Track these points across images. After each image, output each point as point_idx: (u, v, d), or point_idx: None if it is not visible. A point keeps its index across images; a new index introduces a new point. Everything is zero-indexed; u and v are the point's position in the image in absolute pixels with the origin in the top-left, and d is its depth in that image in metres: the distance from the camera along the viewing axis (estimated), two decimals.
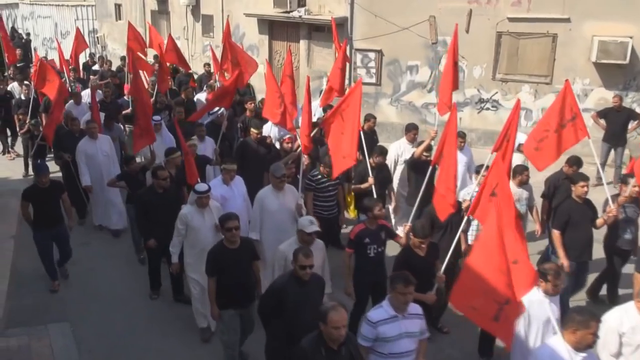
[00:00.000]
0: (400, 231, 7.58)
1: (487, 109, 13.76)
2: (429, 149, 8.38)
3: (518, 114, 6.52)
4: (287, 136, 9.04)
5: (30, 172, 12.27)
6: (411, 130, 9.33)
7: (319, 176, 8.05)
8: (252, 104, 11.21)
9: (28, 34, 27.89)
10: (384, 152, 8.48)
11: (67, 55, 16.71)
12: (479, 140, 13.74)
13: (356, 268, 6.53)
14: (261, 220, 7.21)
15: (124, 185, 8.80)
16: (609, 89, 12.48)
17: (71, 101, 12.49)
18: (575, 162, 8.05)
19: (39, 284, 8.19)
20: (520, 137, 8.27)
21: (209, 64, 16.06)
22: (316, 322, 4.30)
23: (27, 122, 12.22)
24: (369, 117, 10.20)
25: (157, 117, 10.12)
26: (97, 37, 25.31)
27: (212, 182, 7.83)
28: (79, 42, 17.01)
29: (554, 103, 7.26)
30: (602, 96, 12.59)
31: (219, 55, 14.03)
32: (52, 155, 11.81)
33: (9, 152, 13.94)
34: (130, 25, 14.62)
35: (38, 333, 7.06)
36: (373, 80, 14.64)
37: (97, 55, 19.81)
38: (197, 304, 7.04)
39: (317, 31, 15.67)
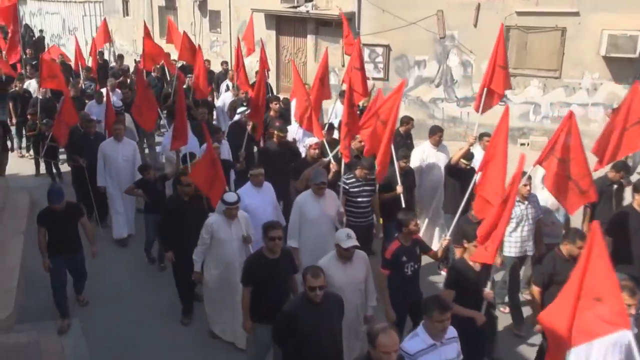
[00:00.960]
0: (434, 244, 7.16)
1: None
2: (468, 157, 7.81)
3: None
4: (314, 142, 8.34)
5: (42, 170, 12.25)
6: (436, 133, 8.62)
7: (353, 179, 7.48)
8: (277, 104, 10.80)
9: (41, 31, 27.87)
10: (407, 156, 8.05)
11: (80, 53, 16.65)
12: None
13: (392, 288, 5.97)
14: (299, 227, 6.86)
15: (141, 194, 8.45)
16: (619, 83, 12.39)
17: (92, 101, 12.18)
18: (622, 167, 7.46)
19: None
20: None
21: (226, 62, 15.74)
22: (335, 347, 4.12)
23: (37, 122, 11.89)
24: (408, 120, 9.55)
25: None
26: None
27: (241, 189, 7.38)
28: (104, 34, 16.76)
29: (622, 104, 6.99)
30: (612, 90, 12.50)
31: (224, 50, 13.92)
32: (64, 157, 11.80)
33: (20, 150, 13.80)
34: (185, 36, 13.90)
35: (48, 329, 7.09)
36: (381, 75, 14.59)
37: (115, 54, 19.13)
38: (209, 309, 6.90)
39: (325, 26, 15.64)
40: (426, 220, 8.64)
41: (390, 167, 7.64)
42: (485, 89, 7.56)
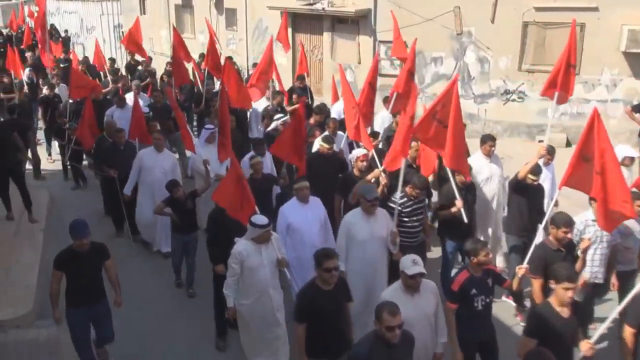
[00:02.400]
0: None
1: (513, 100, 13.60)
2: (536, 171, 7.04)
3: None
4: (362, 153, 7.62)
5: (70, 176, 12.05)
6: (486, 142, 7.76)
7: (405, 199, 6.82)
8: (320, 116, 10.02)
9: (66, 31, 27.84)
10: (471, 168, 7.27)
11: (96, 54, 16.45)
12: (504, 132, 13.59)
13: (460, 322, 5.36)
14: (347, 249, 6.24)
15: (171, 213, 7.71)
16: (639, 78, 12.23)
17: (113, 107, 11.52)
18: None
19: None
20: (625, 150, 7.58)
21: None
22: None
23: (65, 126, 11.58)
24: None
25: (210, 126, 9.24)
26: (122, 32, 25.48)
27: (285, 205, 6.87)
28: (136, 32, 16.14)
29: None
30: (632, 86, 12.35)
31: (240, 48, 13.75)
32: (87, 162, 11.64)
33: (49, 156, 13.48)
34: (211, 41, 13.16)
35: (67, 326, 7.17)
36: (397, 72, 14.50)
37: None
38: (245, 342, 6.29)
39: (341, 23, 15.63)
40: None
41: (448, 180, 7.10)
42: (556, 93, 7.22)
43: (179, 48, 12.81)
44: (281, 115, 9.94)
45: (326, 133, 8.86)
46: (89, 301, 6.01)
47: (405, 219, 6.81)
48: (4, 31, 25.33)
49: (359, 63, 15.36)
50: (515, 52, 13.27)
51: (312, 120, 9.88)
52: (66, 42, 24.49)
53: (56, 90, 13.38)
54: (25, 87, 14.37)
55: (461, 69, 13.98)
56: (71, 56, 18.69)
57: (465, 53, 13.83)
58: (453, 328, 5.30)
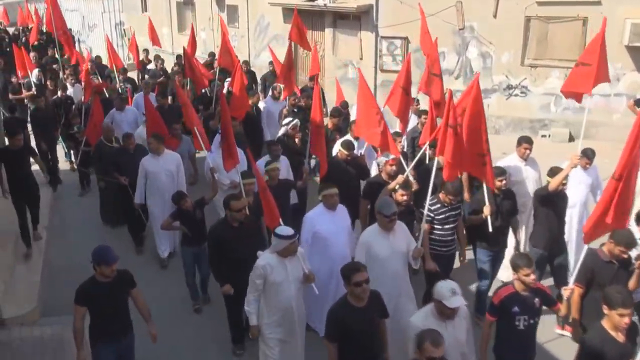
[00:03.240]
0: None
1: (516, 95, 13.57)
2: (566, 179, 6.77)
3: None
4: (391, 157, 7.29)
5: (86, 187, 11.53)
6: (522, 144, 7.52)
7: (438, 205, 6.57)
8: (337, 120, 9.70)
9: (70, 30, 27.38)
10: (504, 172, 6.85)
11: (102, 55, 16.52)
12: (507, 127, 13.57)
13: (498, 339, 5.13)
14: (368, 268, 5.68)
15: (181, 227, 7.37)
16: None
17: (113, 110, 11.19)
18: None
19: (71, 274, 8.26)
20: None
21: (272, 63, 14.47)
22: None
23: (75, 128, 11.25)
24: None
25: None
26: (124, 30, 25.49)
27: (311, 213, 6.57)
28: (152, 32, 16.46)
29: None
30: (635, 80, 12.31)
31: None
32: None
33: (71, 162, 12.81)
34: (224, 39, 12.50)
35: (71, 322, 7.17)
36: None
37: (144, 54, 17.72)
38: (265, 353, 5.88)
39: (342, 19, 15.62)
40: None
41: (480, 186, 6.84)
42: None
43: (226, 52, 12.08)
44: (290, 119, 9.52)
45: (347, 137, 8.54)
46: (116, 335, 5.38)
47: (438, 227, 6.56)
48: (10, 30, 25.13)
49: (361, 59, 15.35)
50: (517, 47, 13.24)
51: (329, 125, 9.50)
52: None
53: (69, 92, 13.00)
54: (34, 89, 13.94)
55: (463, 64, 13.95)
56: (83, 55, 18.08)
57: (468, 48, 13.80)
58: (485, 340, 5.12)
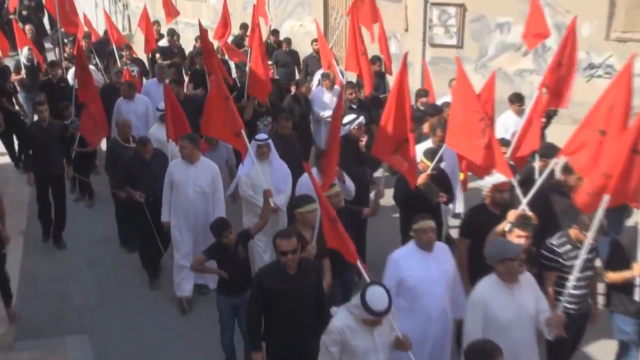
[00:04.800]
0: None
1: (599, 76, 13.39)
2: None
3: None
4: (501, 180, 6.66)
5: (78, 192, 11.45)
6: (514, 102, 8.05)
7: (568, 246, 5.99)
8: (436, 119, 9.24)
9: None
10: None
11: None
12: None
13: None
14: (483, 331, 5.20)
15: (216, 270, 6.75)
16: None
17: (120, 98, 10.90)
18: None
19: (52, 288, 8.52)
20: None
21: (316, 40, 13.80)
22: None
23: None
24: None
25: (262, 136, 8.27)
26: (124, 5, 25.72)
27: (397, 253, 5.99)
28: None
29: None
30: None
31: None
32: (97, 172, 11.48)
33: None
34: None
35: (52, 346, 7.39)
36: (453, 41, 14.44)
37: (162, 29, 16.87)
38: None
39: None
40: None
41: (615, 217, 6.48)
42: None
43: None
44: (354, 116, 8.96)
45: (427, 143, 8.14)
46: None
47: (566, 276, 5.89)
48: None
49: (406, 31, 15.30)
50: (602, 17, 13.05)
51: (425, 128, 8.95)
52: None
53: (69, 76, 12.88)
54: (23, 71, 13.72)
55: None
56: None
57: None
58: None
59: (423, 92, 10.76)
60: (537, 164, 7.40)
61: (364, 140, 8.79)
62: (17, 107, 13.02)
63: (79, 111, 10.67)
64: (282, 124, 9.21)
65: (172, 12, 16.53)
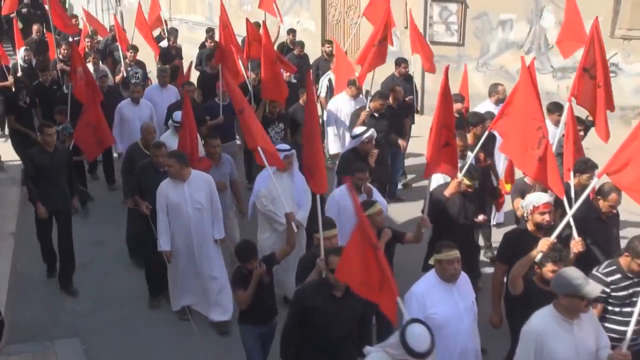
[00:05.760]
0: None
1: None
2: None
3: None
4: (544, 200, 6.23)
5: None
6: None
7: (618, 275, 5.55)
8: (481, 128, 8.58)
9: None
10: None
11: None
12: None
13: None
14: None
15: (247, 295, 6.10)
16: None
17: (125, 100, 10.62)
18: None
19: (44, 291, 8.45)
20: None
21: (329, 42, 13.63)
22: None
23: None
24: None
25: (284, 146, 7.93)
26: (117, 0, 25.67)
27: (418, 286, 5.54)
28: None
29: None
30: None
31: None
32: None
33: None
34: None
35: (43, 350, 7.29)
36: (454, 39, 14.44)
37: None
38: None
39: None
40: None
41: None
42: None
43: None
44: (363, 129, 8.60)
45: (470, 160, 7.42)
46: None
47: (616, 309, 5.51)
48: None
49: (406, 28, 15.24)
50: (607, 13, 13.01)
51: (469, 138, 8.29)
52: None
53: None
54: (20, 72, 13.07)
55: (536, 35, 13.81)
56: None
57: (542, 15, 13.63)
58: None
59: (459, 98, 9.91)
60: (572, 181, 6.93)
61: (374, 154, 8.36)
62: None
63: (75, 116, 10.18)
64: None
65: (153, 24, 15.64)
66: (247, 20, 11.68)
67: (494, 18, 14.14)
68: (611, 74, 13.20)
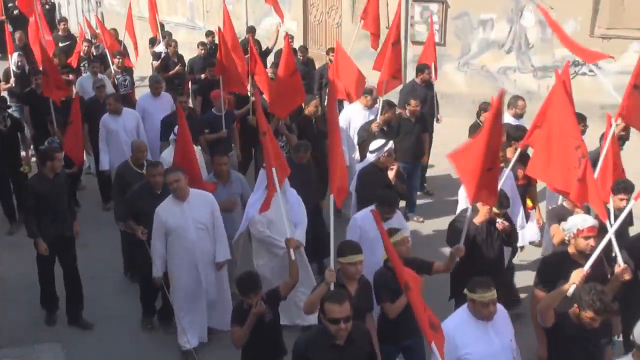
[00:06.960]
0: None
1: (584, 73, 13.50)
2: None
3: None
4: (589, 224, 5.78)
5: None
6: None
7: None
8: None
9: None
10: None
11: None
12: None
13: None
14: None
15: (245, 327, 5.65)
16: None
17: (106, 114, 10.07)
18: None
19: (25, 295, 8.41)
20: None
21: (333, 50, 12.12)
22: None
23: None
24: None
25: None
26: (98, 2, 25.53)
27: (450, 322, 5.15)
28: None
29: None
30: None
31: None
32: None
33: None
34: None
35: (24, 355, 7.32)
36: (436, 39, 14.55)
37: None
38: None
39: None
40: None
41: None
42: None
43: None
44: (382, 142, 8.08)
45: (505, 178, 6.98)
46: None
47: None
48: None
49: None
50: (586, 13, 13.17)
51: (509, 153, 7.85)
52: (50, 13, 22.58)
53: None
54: (12, 79, 12.90)
55: (517, 34, 13.94)
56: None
57: (522, 14, 13.77)
58: None
59: (487, 106, 9.05)
60: (611, 203, 6.53)
61: (394, 168, 8.03)
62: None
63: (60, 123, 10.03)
64: (300, 154, 8.26)
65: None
66: (250, 38, 11.90)
67: (475, 18, 14.29)
68: (591, 73, 13.51)
